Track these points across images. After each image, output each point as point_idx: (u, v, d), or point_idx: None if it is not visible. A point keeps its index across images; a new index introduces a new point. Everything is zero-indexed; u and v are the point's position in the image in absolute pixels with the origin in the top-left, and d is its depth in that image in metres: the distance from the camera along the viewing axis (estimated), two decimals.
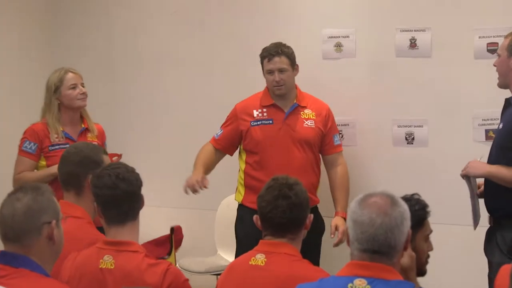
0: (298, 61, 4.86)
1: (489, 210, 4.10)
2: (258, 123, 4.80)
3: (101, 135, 4.82)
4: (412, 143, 5.14)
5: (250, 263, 3.16)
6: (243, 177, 4.86)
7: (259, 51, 4.87)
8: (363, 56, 5.25)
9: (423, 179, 5.04)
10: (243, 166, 4.86)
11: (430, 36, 5.04)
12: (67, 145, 4.41)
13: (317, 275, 2.75)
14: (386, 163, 5.20)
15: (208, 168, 4.81)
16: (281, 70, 4.73)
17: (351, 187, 4.92)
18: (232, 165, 5.00)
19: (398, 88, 5.16)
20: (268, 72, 4.77)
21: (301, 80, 4.94)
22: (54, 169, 4.13)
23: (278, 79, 4.72)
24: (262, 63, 4.81)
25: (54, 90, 4.64)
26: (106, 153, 3.71)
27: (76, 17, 6.11)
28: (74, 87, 4.65)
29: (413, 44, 5.09)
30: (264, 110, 4.81)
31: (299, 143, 4.75)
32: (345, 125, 5.16)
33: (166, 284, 3.02)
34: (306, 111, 4.83)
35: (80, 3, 6.12)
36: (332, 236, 4.69)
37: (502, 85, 4.09)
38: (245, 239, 4.61)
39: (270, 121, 4.79)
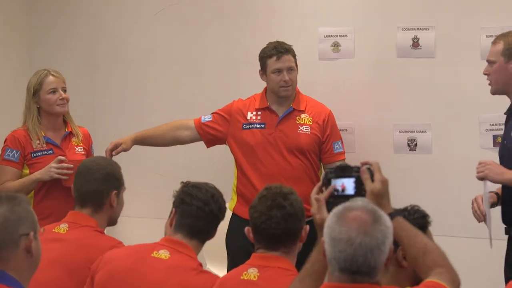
0: None
1: (509, 221, 3.95)
2: (250, 126, 4.72)
3: (87, 139, 4.73)
4: (415, 150, 5.06)
5: (241, 277, 3.09)
6: (236, 183, 4.78)
7: (253, 50, 4.82)
8: (362, 57, 5.17)
9: (427, 188, 4.96)
10: (236, 171, 4.79)
11: (434, 35, 4.99)
12: (50, 151, 4.47)
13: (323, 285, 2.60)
14: (387, 171, 4.84)
15: (162, 139, 4.85)
16: (290, 69, 4.65)
17: None
18: (226, 170, 4.93)
19: (400, 91, 5.10)
20: (274, 71, 4.66)
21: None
22: (38, 175, 4.35)
23: (287, 79, 4.64)
24: (265, 62, 4.70)
25: (33, 94, 4.53)
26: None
27: (57, 17, 6.05)
28: (53, 91, 4.53)
29: (415, 43, 5.03)
30: (259, 113, 4.74)
31: (292, 150, 4.66)
32: (343, 130, 5.03)
33: None
34: (302, 116, 4.73)
35: (61, 2, 6.07)
36: None
37: (499, 91, 4.02)
38: (237, 252, 4.52)
39: (263, 125, 4.70)
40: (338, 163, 3.23)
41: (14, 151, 4.46)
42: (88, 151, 4.66)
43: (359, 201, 2.44)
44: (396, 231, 2.50)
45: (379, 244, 2.34)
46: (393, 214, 2.60)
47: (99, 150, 4.78)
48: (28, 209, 2.56)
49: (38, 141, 4.49)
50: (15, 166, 4.47)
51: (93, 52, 5.94)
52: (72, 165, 4.28)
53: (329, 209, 2.59)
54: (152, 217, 5.46)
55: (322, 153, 4.76)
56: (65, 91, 4.55)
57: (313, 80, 5.13)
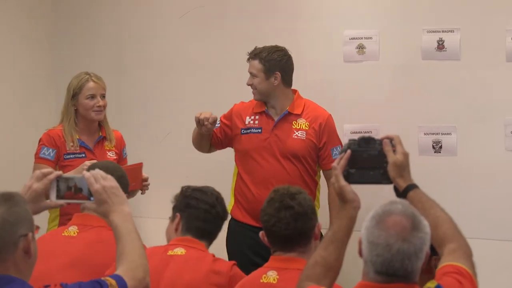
0: (317, 63, 4.87)
1: None
2: (248, 131, 4.71)
3: (119, 143, 4.76)
4: (440, 152, 5.02)
5: (261, 280, 3.11)
6: (234, 186, 4.78)
7: None
8: (387, 59, 5.13)
9: (452, 191, 4.91)
10: (235, 174, 4.80)
11: (459, 37, 4.95)
12: (83, 155, 4.50)
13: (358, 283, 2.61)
14: (411, 173, 4.95)
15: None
16: (251, 75, 4.67)
17: (374, 198, 4.65)
18: (226, 173, 4.89)
19: (425, 93, 5.05)
20: None
21: (320, 84, 4.88)
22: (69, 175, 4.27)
23: (249, 83, 4.68)
24: None
25: (72, 96, 4.57)
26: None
27: (83, 20, 6.07)
28: (92, 97, 4.56)
29: (440, 45, 4.99)
30: (256, 117, 4.72)
31: (286, 155, 4.62)
32: (367, 132, 5.00)
33: None
34: (299, 120, 4.68)
35: (86, 5, 6.08)
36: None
37: None
38: (237, 257, 4.47)
39: (259, 130, 4.69)
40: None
41: (50, 150, 4.49)
42: (120, 155, 4.68)
43: (399, 205, 2.43)
44: (413, 203, 2.55)
45: (416, 251, 2.34)
46: (413, 185, 2.66)
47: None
48: (26, 209, 2.51)
49: (72, 144, 4.52)
50: (50, 164, 4.46)
51: (118, 55, 5.95)
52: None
53: (351, 181, 2.64)
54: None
55: (320, 159, 4.70)
56: (103, 97, 4.58)
57: (338, 83, 5.13)
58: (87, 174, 2.64)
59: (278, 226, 3.09)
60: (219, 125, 4.75)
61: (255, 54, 4.63)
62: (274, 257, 3.15)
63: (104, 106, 4.58)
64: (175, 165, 5.70)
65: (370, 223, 2.40)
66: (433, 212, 2.59)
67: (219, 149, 4.89)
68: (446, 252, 2.53)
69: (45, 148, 4.50)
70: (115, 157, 4.60)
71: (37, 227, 2.54)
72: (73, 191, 2.67)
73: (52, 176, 2.67)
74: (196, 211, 3.47)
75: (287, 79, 4.68)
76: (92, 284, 2.44)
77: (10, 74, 5.77)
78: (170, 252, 3.38)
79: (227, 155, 4.98)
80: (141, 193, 4.56)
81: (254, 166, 4.62)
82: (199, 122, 4.57)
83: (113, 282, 2.45)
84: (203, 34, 5.66)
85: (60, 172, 2.70)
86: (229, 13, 5.60)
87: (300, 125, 4.65)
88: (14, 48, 5.83)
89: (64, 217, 4.38)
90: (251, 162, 4.63)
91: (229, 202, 4.70)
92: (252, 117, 4.70)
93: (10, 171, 5.27)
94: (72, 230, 3.53)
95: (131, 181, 4.37)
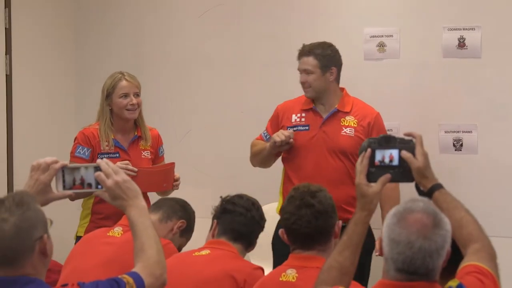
0: None
1: None
2: (294, 129, 4.62)
3: (156, 141, 4.71)
4: (461, 150, 5.02)
5: (280, 279, 3.10)
6: (282, 185, 4.73)
7: (297, 51, 4.73)
8: (408, 57, 5.13)
9: (473, 189, 4.89)
10: (283, 174, 4.74)
11: (480, 35, 4.95)
12: (117, 155, 4.47)
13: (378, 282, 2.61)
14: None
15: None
16: (306, 71, 4.57)
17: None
18: (272, 168, 4.84)
19: (445, 91, 5.05)
20: (300, 72, 4.63)
21: (341, 82, 4.79)
22: None
23: (302, 80, 4.59)
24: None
25: (106, 96, 4.55)
26: None
27: (103, 18, 6.08)
28: (125, 96, 4.53)
29: (461, 43, 4.99)
30: (303, 114, 4.65)
31: (334, 152, 4.57)
32: (388, 130, 4.95)
33: None
34: (348, 117, 4.63)
35: (107, 5, 6.09)
36: (377, 254, 4.38)
37: None
38: (281, 254, 4.41)
39: (307, 127, 4.62)
40: None
41: (86, 149, 4.48)
42: (156, 154, 4.65)
43: (420, 202, 2.42)
44: (437, 203, 2.54)
45: (438, 249, 2.34)
46: (438, 185, 2.64)
47: None
48: (38, 209, 2.46)
49: (106, 143, 4.50)
50: (85, 163, 4.48)
51: (138, 54, 5.95)
52: (136, 169, 4.26)
53: (371, 179, 2.64)
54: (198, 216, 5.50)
55: None
56: (137, 95, 4.56)
57: (358, 80, 5.10)
58: (103, 167, 2.61)
59: (299, 224, 3.09)
60: (269, 136, 4.66)
61: (308, 51, 4.56)
62: (293, 255, 3.15)
63: (139, 104, 4.55)
64: (196, 163, 5.69)
65: (391, 220, 2.39)
66: (458, 212, 2.58)
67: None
68: (469, 252, 2.52)
69: (80, 147, 4.49)
70: (150, 157, 4.59)
71: (51, 222, 2.50)
72: (80, 183, 2.65)
73: (57, 166, 2.64)
74: (231, 215, 3.49)
75: (339, 75, 4.66)
76: (109, 283, 2.42)
77: (37, 74, 5.84)
78: (196, 253, 3.40)
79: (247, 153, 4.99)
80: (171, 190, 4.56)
81: (300, 163, 4.57)
82: (281, 144, 4.50)
83: (130, 280, 2.43)
84: (222, 32, 5.66)
85: (65, 162, 2.66)
86: (247, 12, 5.59)
87: (349, 122, 4.60)
88: (41, 48, 5.91)
89: (95, 216, 4.45)
90: (297, 159, 4.58)
91: (278, 202, 4.71)
92: (299, 115, 4.63)
93: None
94: (117, 231, 3.58)
95: (163, 181, 4.41)
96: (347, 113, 4.62)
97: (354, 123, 4.60)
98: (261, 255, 4.96)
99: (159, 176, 4.42)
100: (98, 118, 4.58)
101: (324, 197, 3.13)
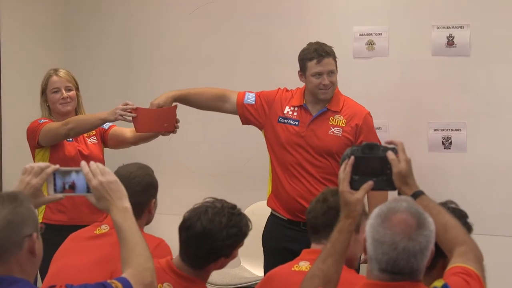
0: None
1: None
2: (285, 121, 4.60)
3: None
4: (450, 148, 5.03)
5: (293, 269, 3.13)
6: (270, 176, 4.68)
7: (287, 49, 4.79)
8: (397, 55, 5.15)
9: (462, 187, 4.92)
10: (270, 165, 4.69)
11: (469, 34, 4.97)
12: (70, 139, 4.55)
13: (361, 282, 2.60)
14: (421, 169, 4.85)
15: (203, 104, 4.74)
16: (331, 72, 4.50)
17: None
18: (263, 167, 4.81)
19: (434, 89, 5.06)
20: (314, 75, 4.51)
21: None
22: (104, 114, 4.37)
23: (327, 82, 4.50)
24: (305, 64, 4.54)
25: (42, 93, 4.67)
26: None
27: (92, 16, 6.09)
28: (56, 91, 4.63)
29: (450, 42, 5.00)
30: (295, 109, 4.62)
31: (320, 151, 4.53)
32: (377, 128, 4.92)
33: None
34: (336, 117, 4.58)
35: (96, 2, 6.10)
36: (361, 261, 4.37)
37: None
38: (272, 252, 4.49)
39: (296, 123, 4.58)
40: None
41: (47, 120, 4.56)
42: (102, 132, 4.70)
43: (403, 202, 2.42)
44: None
45: (422, 249, 2.34)
46: (419, 192, 2.63)
47: (128, 149, 4.81)
48: (30, 207, 2.46)
49: None
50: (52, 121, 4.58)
51: (127, 52, 5.96)
52: (134, 105, 4.32)
53: (355, 187, 2.64)
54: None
55: None
56: (69, 90, 4.62)
57: (347, 79, 5.01)
58: (85, 169, 2.60)
59: (311, 216, 3.19)
60: (253, 102, 4.67)
61: (327, 52, 4.49)
62: (306, 250, 3.20)
63: (71, 98, 4.61)
64: (186, 161, 5.71)
65: (375, 221, 2.39)
66: (441, 217, 2.58)
67: (247, 124, 4.74)
68: (456, 254, 2.53)
69: (42, 120, 4.56)
70: (96, 142, 4.65)
71: (42, 226, 2.50)
72: (70, 186, 2.65)
73: (49, 170, 2.64)
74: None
75: None
76: (97, 287, 2.41)
77: (27, 74, 5.84)
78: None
79: (240, 149, 4.99)
80: (173, 133, 4.53)
81: (286, 158, 4.54)
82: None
83: (119, 285, 2.41)
84: (213, 30, 5.66)
85: (57, 166, 2.67)
86: (238, 9, 5.60)
87: (337, 121, 4.56)
88: (30, 47, 5.92)
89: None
90: (284, 153, 4.55)
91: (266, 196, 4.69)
92: (292, 108, 4.59)
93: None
94: (103, 228, 3.55)
95: (164, 122, 4.40)
96: (337, 112, 4.57)
97: (342, 123, 4.55)
98: (252, 254, 4.99)
99: (159, 115, 4.42)
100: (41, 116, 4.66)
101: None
